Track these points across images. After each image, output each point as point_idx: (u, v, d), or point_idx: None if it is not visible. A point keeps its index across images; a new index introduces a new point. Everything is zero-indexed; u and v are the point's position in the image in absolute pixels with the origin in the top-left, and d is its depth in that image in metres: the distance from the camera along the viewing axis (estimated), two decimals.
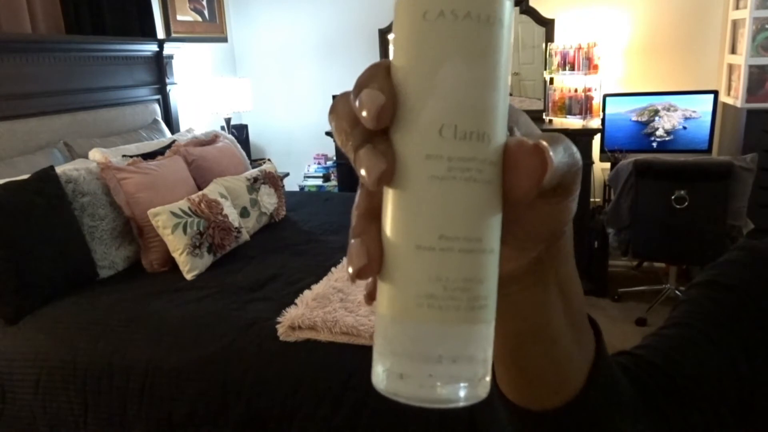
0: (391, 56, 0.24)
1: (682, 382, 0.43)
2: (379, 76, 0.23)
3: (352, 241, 0.25)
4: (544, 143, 0.23)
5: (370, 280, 0.26)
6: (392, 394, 0.24)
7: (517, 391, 0.36)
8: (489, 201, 0.23)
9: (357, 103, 0.23)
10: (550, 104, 3.45)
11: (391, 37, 0.24)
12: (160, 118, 3.13)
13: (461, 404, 0.23)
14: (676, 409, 0.42)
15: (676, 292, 3.06)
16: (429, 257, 0.23)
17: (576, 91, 3.29)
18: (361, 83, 0.23)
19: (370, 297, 0.26)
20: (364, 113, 0.23)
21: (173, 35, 3.39)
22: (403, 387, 0.23)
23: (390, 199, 0.24)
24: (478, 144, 0.23)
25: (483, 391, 0.24)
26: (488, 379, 0.24)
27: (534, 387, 0.35)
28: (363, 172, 0.23)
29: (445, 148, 0.22)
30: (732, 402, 0.43)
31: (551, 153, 0.23)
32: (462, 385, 0.23)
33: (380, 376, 0.24)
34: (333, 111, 0.25)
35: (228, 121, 3.52)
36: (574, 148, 0.25)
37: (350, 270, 0.25)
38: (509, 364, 0.34)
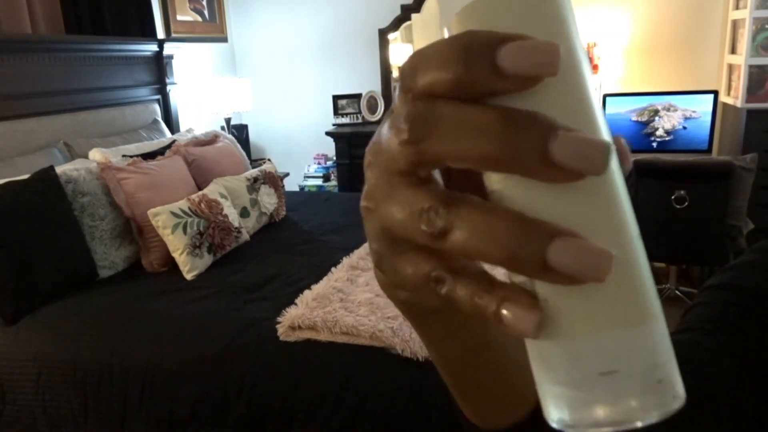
0: None
1: (695, 394, 0.41)
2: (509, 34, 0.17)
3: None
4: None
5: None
6: (594, 427, 0.19)
7: (480, 410, 0.33)
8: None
9: (505, 65, 0.17)
10: None
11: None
12: (160, 118, 3.13)
13: (666, 416, 0.20)
14: (687, 423, 0.41)
15: (676, 292, 3.06)
16: (632, 259, 0.20)
17: None
18: (481, 42, 0.17)
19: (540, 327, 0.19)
20: (538, 59, 0.17)
21: (173, 35, 3.39)
22: (622, 413, 0.19)
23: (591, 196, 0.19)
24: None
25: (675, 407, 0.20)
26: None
27: (495, 404, 0.32)
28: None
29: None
30: (749, 417, 0.41)
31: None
32: (674, 394, 0.20)
33: (589, 413, 0.19)
34: (376, 153, 0.19)
35: (228, 121, 3.52)
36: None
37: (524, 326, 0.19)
38: (463, 387, 0.32)
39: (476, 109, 0.17)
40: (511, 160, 0.17)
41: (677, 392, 0.20)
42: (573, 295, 0.19)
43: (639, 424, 0.19)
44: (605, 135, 0.19)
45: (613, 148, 0.18)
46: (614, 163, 0.19)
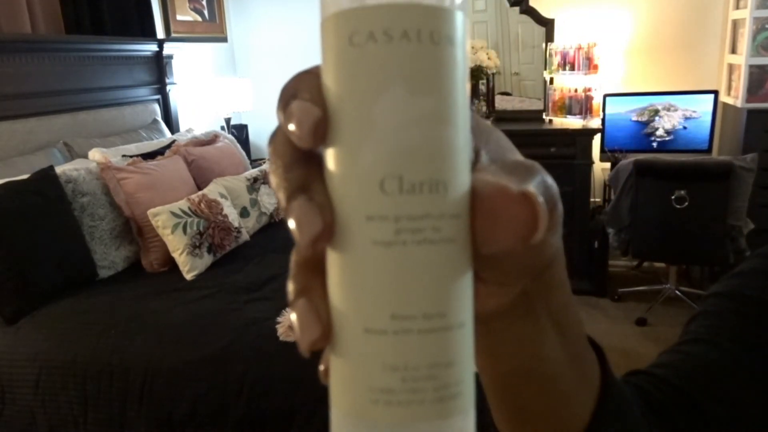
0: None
1: (707, 407, 0.40)
2: (311, 86, 0.19)
3: (300, 301, 0.20)
4: (532, 192, 0.18)
5: (324, 353, 0.21)
6: None
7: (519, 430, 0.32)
8: (452, 264, 0.18)
9: (284, 117, 0.19)
10: (550, 104, 3.45)
11: (321, 54, 0.19)
12: (160, 118, 3.13)
13: None
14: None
15: (676, 292, 3.06)
16: (381, 342, 0.18)
17: (576, 91, 3.29)
18: (289, 92, 0.19)
19: (327, 374, 0.20)
20: (293, 127, 0.19)
21: (173, 35, 3.39)
22: None
23: (331, 265, 0.19)
24: (431, 197, 0.18)
25: None
26: None
27: (533, 427, 0.32)
28: (295, 228, 0.19)
29: (390, 206, 0.18)
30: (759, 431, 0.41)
31: (541, 200, 0.18)
32: None
33: None
34: (271, 141, 0.20)
35: (228, 121, 3.52)
36: (550, 179, 0.21)
37: (302, 343, 0.19)
38: (506, 403, 0.31)
39: (277, 148, 0.20)
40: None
41: None
42: (332, 361, 0.20)
43: None
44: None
45: (316, 228, 0.18)
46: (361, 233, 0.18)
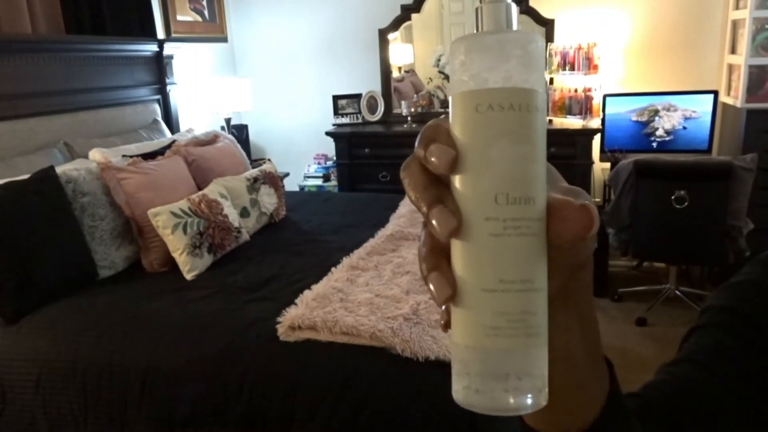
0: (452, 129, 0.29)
1: (695, 429, 0.42)
2: (443, 134, 0.28)
3: (433, 274, 0.29)
4: (590, 204, 0.28)
5: (443, 311, 0.30)
6: (470, 406, 0.29)
7: (537, 414, 0.36)
8: (537, 249, 0.28)
9: (427, 154, 0.28)
10: (550, 104, 3.45)
11: (450, 115, 0.30)
12: (160, 118, 3.13)
13: (527, 411, 0.29)
14: None
15: (676, 292, 3.07)
16: (492, 297, 0.28)
17: (576, 91, 3.29)
18: (428, 137, 0.28)
19: (447, 325, 0.30)
20: (435, 161, 0.28)
21: (173, 35, 3.39)
22: (478, 400, 0.29)
23: (459, 249, 0.29)
24: (526, 207, 0.28)
25: (544, 399, 0.29)
26: (546, 390, 0.29)
27: (553, 410, 0.35)
28: (436, 226, 0.28)
29: (500, 211, 0.28)
30: None
31: (595, 211, 0.28)
32: (527, 395, 0.28)
33: (460, 392, 0.29)
34: (406, 169, 0.29)
35: (228, 121, 3.52)
36: (591, 201, 0.29)
37: (439, 298, 0.29)
38: None
39: (414, 173, 0.29)
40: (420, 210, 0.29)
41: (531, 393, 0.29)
42: (454, 313, 0.29)
43: (521, 412, 0.29)
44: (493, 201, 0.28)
45: (453, 225, 0.28)
46: (482, 227, 0.28)
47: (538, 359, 0.29)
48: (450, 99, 0.29)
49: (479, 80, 0.28)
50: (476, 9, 0.30)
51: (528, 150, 0.28)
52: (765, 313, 0.45)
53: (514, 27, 0.30)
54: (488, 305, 0.28)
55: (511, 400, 0.28)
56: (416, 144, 0.28)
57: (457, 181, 0.28)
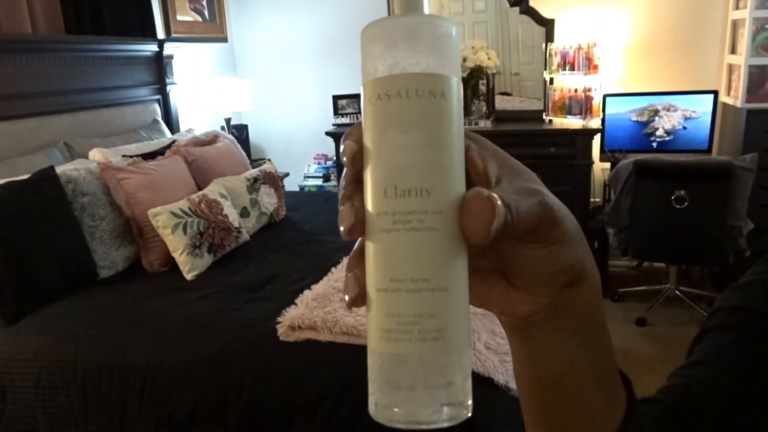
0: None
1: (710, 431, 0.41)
2: (356, 131, 0.28)
3: (348, 275, 0.29)
4: (495, 195, 0.25)
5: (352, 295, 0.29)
6: (373, 417, 0.27)
7: None
8: (433, 245, 0.26)
9: (341, 150, 0.28)
10: (550, 104, 3.45)
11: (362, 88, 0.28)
12: (160, 118, 3.13)
13: (437, 426, 0.26)
14: None
15: (676, 292, 3.06)
16: (383, 297, 0.26)
17: (576, 91, 3.29)
18: (345, 135, 0.28)
19: (352, 304, 0.29)
20: (344, 158, 0.28)
21: (173, 35, 3.39)
22: (379, 412, 0.27)
23: (365, 248, 0.28)
24: (417, 199, 0.26)
25: (460, 414, 0.26)
26: (468, 403, 0.27)
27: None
28: (339, 223, 0.27)
29: (389, 205, 0.26)
30: None
31: (500, 202, 0.25)
32: (432, 408, 0.26)
33: (369, 401, 0.28)
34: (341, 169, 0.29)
35: (228, 121, 3.52)
36: (552, 202, 0.28)
37: (347, 303, 0.28)
38: (535, 411, 0.35)
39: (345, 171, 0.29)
40: None
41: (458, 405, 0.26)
42: (369, 317, 0.27)
43: (424, 427, 0.26)
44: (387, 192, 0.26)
45: (350, 222, 0.27)
46: (378, 222, 0.26)
47: (441, 367, 0.26)
48: (362, 87, 0.28)
49: (371, 71, 0.27)
50: None
51: (420, 138, 0.26)
52: None
53: (425, 11, 0.27)
54: (380, 306, 0.26)
55: (411, 412, 0.26)
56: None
57: (364, 177, 0.27)
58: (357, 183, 0.28)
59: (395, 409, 0.26)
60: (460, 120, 0.27)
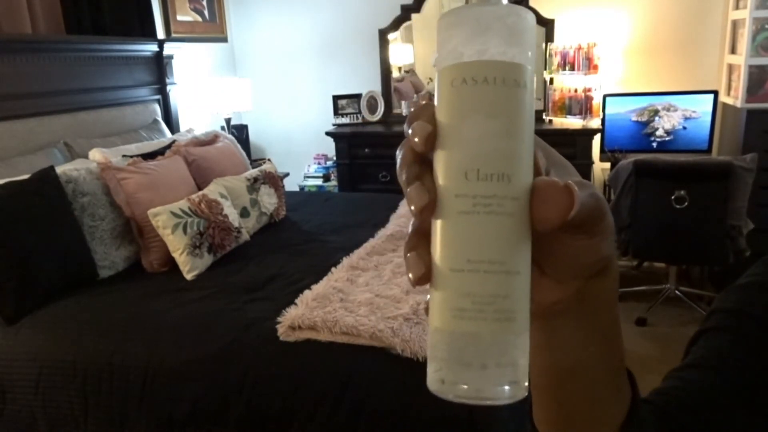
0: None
1: None
2: (427, 112, 0.28)
3: (410, 254, 0.29)
4: (572, 184, 0.27)
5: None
6: (439, 393, 0.28)
7: (553, 428, 0.37)
8: (511, 230, 0.27)
9: (410, 131, 0.28)
10: (550, 104, 3.45)
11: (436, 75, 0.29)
12: (160, 118, 3.13)
13: (500, 403, 0.27)
14: None
15: (676, 292, 3.06)
16: (459, 277, 0.27)
17: (576, 91, 3.29)
18: (413, 115, 0.28)
19: (418, 282, 0.29)
20: (415, 139, 0.28)
21: (173, 35, 3.39)
22: (445, 388, 0.28)
23: (433, 229, 0.28)
24: (498, 184, 0.27)
25: (520, 392, 0.27)
26: (525, 384, 0.28)
27: (569, 425, 0.36)
28: (410, 202, 0.28)
29: (470, 188, 0.27)
30: None
31: (578, 192, 0.26)
32: (498, 385, 0.27)
33: (430, 377, 0.29)
34: (400, 149, 0.29)
35: (228, 121, 3.52)
36: (600, 195, 0.29)
37: (412, 277, 0.29)
38: (549, 398, 0.36)
39: (403, 152, 0.29)
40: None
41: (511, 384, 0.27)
42: (430, 295, 0.29)
43: (488, 403, 0.27)
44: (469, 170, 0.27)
45: (424, 201, 0.27)
46: (453, 204, 0.27)
47: (510, 347, 0.27)
48: (436, 74, 0.29)
49: (455, 55, 0.28)
50: None
51: (504, 125, 0.27)
52: None
53: (504, 1, 0.28)
54: (455, 285, 0.27)
55: (479, 389, 0.27)
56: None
57: (435, 158, 0.28)
58: (422, 164, 0.28)
59: (464, 386, 0.27)
60: (534, 110, 0.29)
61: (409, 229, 0.30)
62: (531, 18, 0.28)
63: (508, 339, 0.27)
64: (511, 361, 0.27)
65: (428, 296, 0.29)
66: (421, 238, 0.29)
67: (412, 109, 0.29)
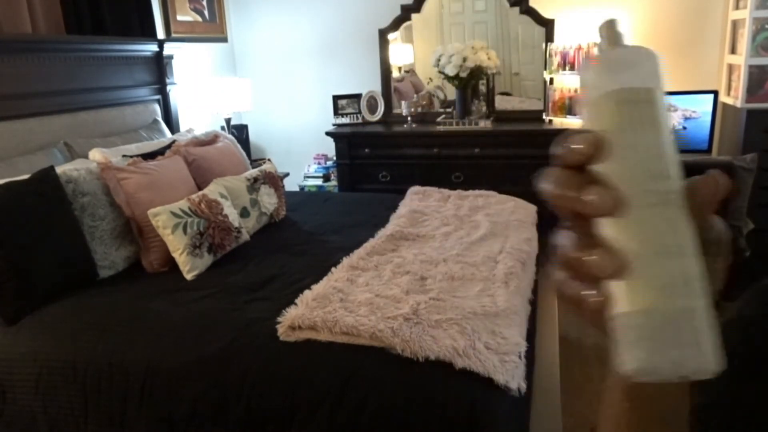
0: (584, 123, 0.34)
1: None
2: (578, 134, 0.32)
3: (597, 251, 0.31)
4: (715, 172, 0.32)
5: (590, 295, 0.32)
6: (649, 372, 0.30)
7: None
8: (683, 216, 0.32)
9: (575, 145, 0.32)
10: (550, 104, 3.45)
11: (585, 107, 0.34)
12: (160, 118, 3.14)
13: (707, 376, 0.30)
14: None
15: None
16: (664, 259, 0.31)
17: (576, 91, 3.29)
18: (579, 136, 0.32)
19: (605, 302, 0.31)
20: (591, 149, 0.31)
21: (173, 35, 3.39)
22: (657, 367, 0.30)
23: (618, 223, 0.32)
24: (668, 181, 0.32)
25: (716, 365, 0.30)
26: (720, 356, 0.30)
27: None
28: (599, 201, 0.30)
29: (652, 184, 0.31)
30: None
31: (720, 175, 0.32)
32: (704, 359, 0.30)
33: (635, 362, 0.30)
34: (545, 176, 0.32)
35: (228, 121, 3.52)
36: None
37: (611, 270, 0.31)
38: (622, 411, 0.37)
39: (554, 172, 0.32)
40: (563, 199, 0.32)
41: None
42: (620, 284, 0.31)
43: (693, 377, 0.30)
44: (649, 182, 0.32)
45: (616, 197, 0.31)
46: (640, 212, 0.31)
47: (713, 322, 0.30)
48: (586, 106, 0.34)
49: (617, 82, 0.33)
50: (599, 28, 0.39)
51: (665, 133, 0.33)
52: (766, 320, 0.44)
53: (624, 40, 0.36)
54: (661, 268, 0.30)
55: (689, 365, 0.30)
56: (554, 151, 0.32)
57: (608, 164, 0.32)
58: (588, 236, 0.31)
59: (670, 364, 0.30)
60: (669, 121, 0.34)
61: (568, 242, 0.32)
62: (659, 55, 0.34)
63: (711, 313, 0.31)
64: (715, 334, 0.30)
65: (611, 285, 0.31)
66: (591, 239, 0.31)
67: (559, 141, 0.33)
